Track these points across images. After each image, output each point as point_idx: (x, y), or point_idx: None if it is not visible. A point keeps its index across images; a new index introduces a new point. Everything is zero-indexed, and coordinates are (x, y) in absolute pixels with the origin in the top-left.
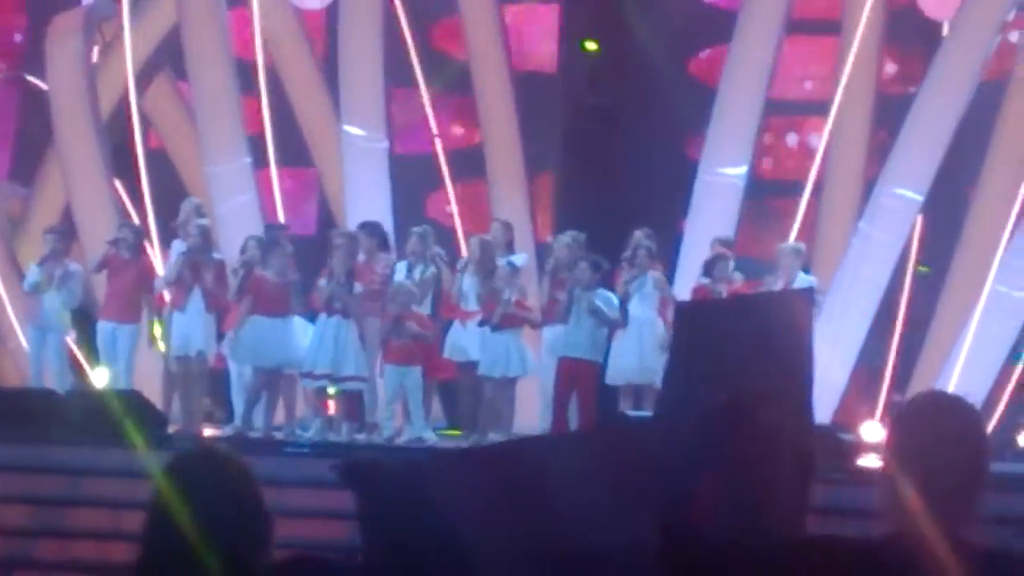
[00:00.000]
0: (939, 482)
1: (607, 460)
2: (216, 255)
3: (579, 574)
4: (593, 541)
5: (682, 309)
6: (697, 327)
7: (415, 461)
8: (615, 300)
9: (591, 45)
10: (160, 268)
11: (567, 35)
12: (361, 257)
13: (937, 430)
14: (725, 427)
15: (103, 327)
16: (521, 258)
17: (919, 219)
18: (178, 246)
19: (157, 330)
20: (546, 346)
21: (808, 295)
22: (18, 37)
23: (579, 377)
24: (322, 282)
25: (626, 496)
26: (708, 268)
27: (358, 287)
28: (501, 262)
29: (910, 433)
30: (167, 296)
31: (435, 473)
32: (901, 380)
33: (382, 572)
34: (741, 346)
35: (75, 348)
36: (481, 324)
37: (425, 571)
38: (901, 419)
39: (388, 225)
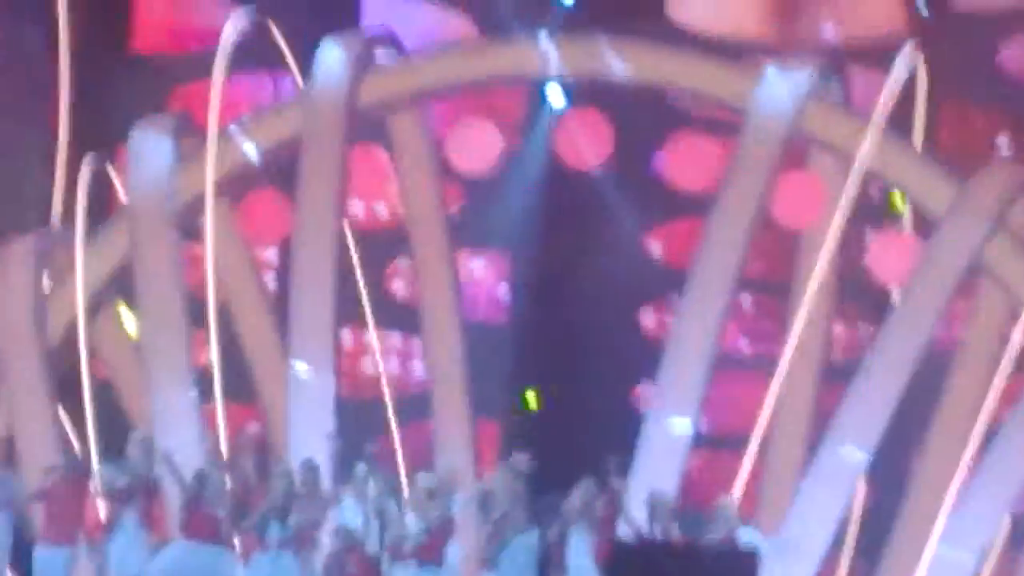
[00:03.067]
0: None
1: None
2: (154, 481)
3: None
4: None
5: (619, 549)
6: (635, 570)
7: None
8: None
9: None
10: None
11: (515, 285)
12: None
13: None
14: None
15: (40, 553)
16: (462, 500)
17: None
18: (108, 470)
19: None
20: None
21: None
22: None
23: None
24: (253, 518)
25: None
26: (650, 518)
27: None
28: (444, 504)
29: None
30: (103, 517)
31: None
32: None
33: None
34: None
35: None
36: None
37: None
38: None
39: (327, 465)
